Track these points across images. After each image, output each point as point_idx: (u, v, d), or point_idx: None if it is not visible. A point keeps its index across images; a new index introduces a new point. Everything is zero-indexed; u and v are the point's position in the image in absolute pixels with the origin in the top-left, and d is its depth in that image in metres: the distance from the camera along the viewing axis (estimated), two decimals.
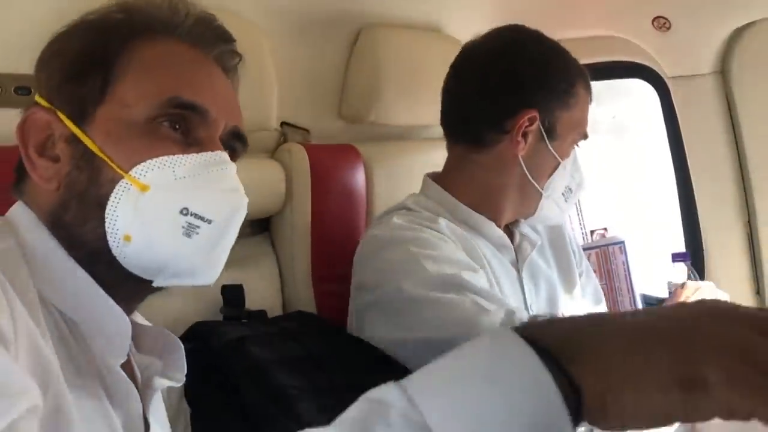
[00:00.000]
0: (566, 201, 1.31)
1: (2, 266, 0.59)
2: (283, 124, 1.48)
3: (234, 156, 0.76)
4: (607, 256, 1.75)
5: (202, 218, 0.67)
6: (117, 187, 0.66)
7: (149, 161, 0.66)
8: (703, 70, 1.59)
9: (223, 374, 0.96)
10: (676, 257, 1.53)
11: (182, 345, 0.76)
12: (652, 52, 1.65)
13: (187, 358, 0.76)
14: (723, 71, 1.59)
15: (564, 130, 1.24)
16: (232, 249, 0.74)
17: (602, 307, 1.46)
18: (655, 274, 1.50)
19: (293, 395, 0.93)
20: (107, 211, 0.66)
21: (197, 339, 0.98)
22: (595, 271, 1.69)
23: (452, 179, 1.28)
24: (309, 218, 1.41)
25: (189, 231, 0.67)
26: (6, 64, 1.09)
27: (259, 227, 1.46)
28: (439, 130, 1.77)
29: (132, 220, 0.66)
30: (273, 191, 1.38)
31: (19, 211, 0.70)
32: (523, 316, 1.05)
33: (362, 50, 1.54)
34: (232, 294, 1.20)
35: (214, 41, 0.76)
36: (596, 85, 1.32)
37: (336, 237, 1.45)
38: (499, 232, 1.28)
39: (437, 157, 1.55)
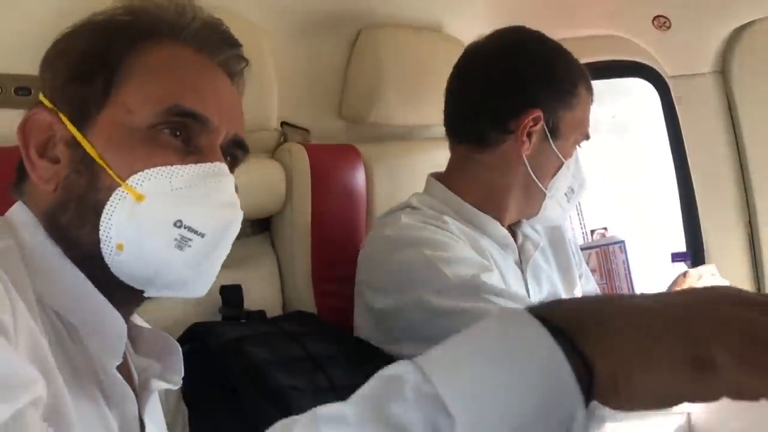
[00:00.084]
0: (568, 201, 1.32)
1: (2, 265, 0.60)
2: (283, 124, 1.48)
3: (235, 163, 0.77)
4: (607, 256, 1.75)
5: (195, 231, 0.67)
6: (114, 194, 0.66)
7: (147, 171, 0.66)
8: (704, 69, 1.59)
9: (221, 375, 0.96)
10: (676, 257, 1.53)
11: (180, 348, 0.76)
12: (652, 52, 1.65)
13: (185, 358, 0.76)
14: (723, 70, 1.59)
15: (567, 130, 1.25)
16: (232, 249, 0.74)
17: None
18: (655, 273, 1.49)
19: (292, 395, 0.93)
20: (102, 218, 0.66)
21: (196, 339, 0.98)
22: (594, 271, 1.70)
23: (456, 179, 1.29)
24: (309, 218, 1.41)
25: (181, 243, 0.67)
26: (6, 64, 1.09)
27: (259, 227, 1.46)
28: (439, 130, 1.77)
29: (126, 229, 0.66)
30: (273, 191, 1.38)
31: (18, 211, 0.70)
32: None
33: (362, 50, 1.54)
34: (230, 294, 1.20)
35: (220, 46, 0.76)
36: (597, 84, 1.32)
37: (336, 237, 1.45)
38: (504, 232, 1.28)
39: (438, 157, 1.55)
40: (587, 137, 1.30)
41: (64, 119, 0.69)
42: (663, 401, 0.42)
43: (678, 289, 1.36)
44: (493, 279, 1.13)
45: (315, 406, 0.92)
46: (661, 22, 1.55)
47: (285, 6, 1.41)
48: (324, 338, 1.15)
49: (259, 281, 1.36)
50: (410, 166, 1.61)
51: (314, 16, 1.47)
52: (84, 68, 0.70)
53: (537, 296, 1.32)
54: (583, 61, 1.31)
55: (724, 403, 1.23)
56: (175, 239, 0.66)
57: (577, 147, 1.30)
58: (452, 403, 0.41)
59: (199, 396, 0.92)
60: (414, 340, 1.10)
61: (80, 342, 0.66)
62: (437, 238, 1.16)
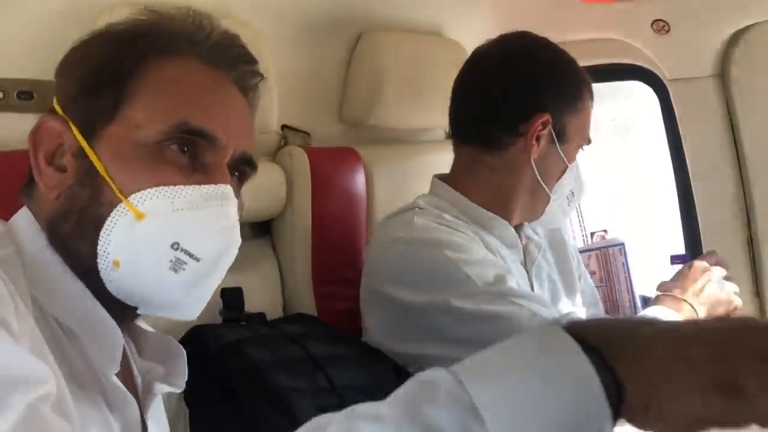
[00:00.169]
0: (569, 204, 1.34)
1: (3, 272, 0.60)
2: (283, 127, 1.49)
3: (243, 178, 0.76)
4: (607, 258, 1.75)
5: (191, 255, 0.67)
6: (115, 210, 0.66)
7: (149, 190, 0.66)
8: (703, 72, 1.60)
9: (221, 376, 0.97)
10: (675, 259, 1.54)
11: (184, 352, 0.76)
12: (651, 55, 1.65)
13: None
14: (722, 74, 1.60)
15: (572, 133, 1.27)
16: None
17: (599, 309, 1.47)
18: (655, 275, 1.49)
19: (292, 396, 0.93)
20: (102, 233, 0.66)
21: (196, 342, 0.99)
22: (594, 273, 1.70)
23: (462, 180, 1.30)
24: (309, 221, 1.42)
25: (176, 266, 0.66)
26: (9, 68, 1.10)
27: (259, 230, 1.47)
28: (439, 133, 1.78)
29: (123, 246, 0.66)
30: (273, 194, 1.39)
31: (22, 216, 0.70)
32: (576, 319, 1.08)
33: (363, 54, 1.55)
34: (231, 297, 1.20)
35: (235, 63, 0.75)
36: (597, 87, 1.34)
37: (336, 240, 1.46)
38: (513, 232, 1.30)
39: (438, 159, 1.55)
40: (589, 141, 1.33)
41: (74, 129, 0.69)
42: (691, 426, 0.43)
43: (683, 279, 1.35)
44: (512, 280, 1.16)
45: (315, 406, 0.93)
46: (660, 26, 1.56)
47: (285, 9, 1.42)
48: (324, 340, 1.16)
49: (260, 284, 1.37)
50: (410, 169, 1.61)
51: (315, 19, 1.48)
52: (95, 80, 0.70)
53: None
54: (582, 64, 1.32)
55: None
56: (171, 261, 0.66)
57: (581, 150, 1.32)
58: (485, 412, 0.42)
59: (200, 397, 0.93)
60: (439, 342, 1.12)
61: (80, 348, 0.66)
62: (455, 240, 1.18)
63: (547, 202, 1.29)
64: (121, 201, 0.66)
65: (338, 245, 1.46)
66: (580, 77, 1.28)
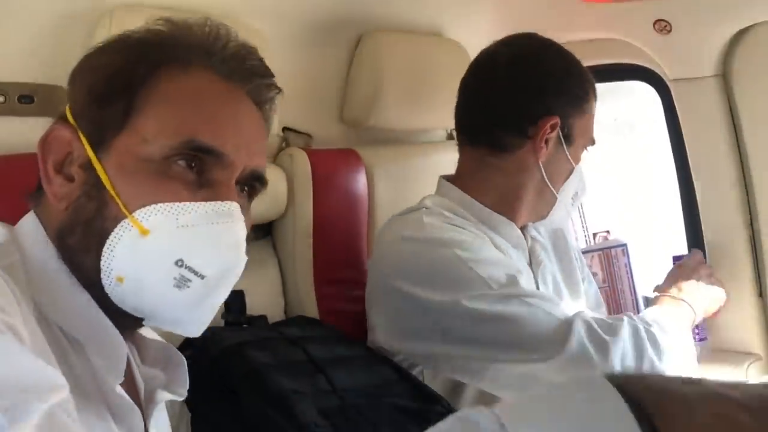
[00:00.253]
0: (572, 205, 1.35)
1: (10, 279, 0.60)
2: (284, 129, 1.49)
3: (253, 193, 0.76)
4: (609, 259, 1.75)
5: (195, 272, 0.66)
6: (119, 226, 0.65)
7: (154, 206, 0.65)
8: (705, 72, 1.59)
9: (223, 379, 0.97)
10: (677, 260, 1.54)
11: (185, 361, 0.76)
12: (653, 55, 1.65)
13: (187, 363, 0.77)
14: (724, 74, 1.59)
15: (578, 135, 1.28)
16: None
17: (602, 311, 1.47)
18: (657, 276, 1.49)
19: (293, 398, 0.93)
20: (105, 248, 0.65)
21: (197, 345, 0.99)
22: (596, 274, 1.70)
23: (469, 181, 1.31)
24: (311, 223, 1.42)
25: (180, 283, 0.66)
26: (10, 72, 1.11)
27: (261, 232, 1.47)
28: (439, 134, 1.78)
29: (127, 262, 0.65)
30: (275, 196, 1.39)
31: (29, 223, 0.70)
32: (588, 316, 1.13)
33: (363, 55, 1.55)
34: (233, 299, 1.20)
35: (250, 76, 0.74)
36: (598, 86, 1.34)
37: (338, 241, 1.46)
38: (519, 232, 1.31)
39: (438, 160, 1.56)
40: (593, 142, 1.34)
41: (83, 139, 0.68)
42: None
43: (678, 279, 1.38)
44: (523, 280, 1.17)
45: (316, 408, 0.93)
46: (662, 26, 1.55)
47: (286, 11, 1.42)
48: (325, 342, 1.16)
49: (262, 286, 1.37)
50: (411, 170, 1.61)
51: (315, 21, 1.48)
52: (106, 89, 0.69)
53: None
54: (585, 64, 1.33)
55: None
56: (175, 278, 0.66)
57: (585, 151, 1.33)
58: None
59: (201, 400, 0.93)
60: (449, 341, 1.13)
61: (84, 357, 0.66)
62: (465, 239, 1.19)
63: (554, 204, 1.30)
64: (126, 216, 0.65)
65: (340, 247, 1.46)
66: (586, 79, 1.30)
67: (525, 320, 1.10)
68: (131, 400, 0.68)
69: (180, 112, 0.69)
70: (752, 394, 0.45)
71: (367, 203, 1.52)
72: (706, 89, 1.60)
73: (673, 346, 1.15)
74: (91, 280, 0.66)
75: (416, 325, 1.16)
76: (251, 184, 0.75)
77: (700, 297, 1.34)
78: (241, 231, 0.70)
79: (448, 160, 1.38)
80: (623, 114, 2.42)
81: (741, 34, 1.54)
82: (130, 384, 0.71)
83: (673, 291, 1.33)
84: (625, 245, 1.75)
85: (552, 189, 1.28)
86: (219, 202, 0.68)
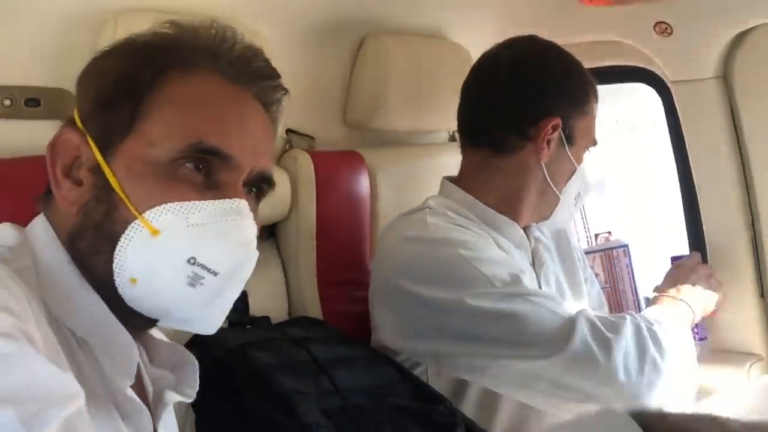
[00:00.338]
0: (575, 205, 1.36)
1: (23, 283, 0.61)
2: (288, 131, 1.50)
3: (260, 195, 0.76)
4: (611, 260, 1.76)
5: (208, 269, 0.66)
6: (130, 227, 0.66)
7: (164, 206, 0.66)
8: (706, 74, 1.59)
9: (226, 380, 0.98)
10: (675, 260, 1.54)
11: (196, 362, 0.77)
12: (654, 57, 1.65)
13: None
14: (725, 75, 1.59)
15: (579, 136, 1.29)
16: None
17: (604, 312, 1.48)
18: (659, 277, 1.50)
19: (296, 398, 0.94)
20: (117, 250, 0.66)
21: (201, 345, 1.00)
22: (598, 275, 1.71)
23: (472, 182, 1.32)
24: (314, 224, 1.43)
25: (193, 281, 0.66)
26: (16, 76, 1.12)
27: (264, 233, 1.47)
28: (442, 135, 1.79)
29: (139, 263, 0.66)
30: (278, 198, 1.40)
31: (39, 226, 0.71)
32: (591, 315, 1.14)
33: (366, 57, 1.55)
34: (237, 300, 1.21)
35: (255, 79, 0.74)
36: (600, 88, 1.35)
37: (341, 242, 1.47)
38: (522, 233, 1.32)
39: (441, 161, 1.57)
40: (595, 143, 1.35)
41: (91, 143, 0.69)
42: None
43: (676, 279, 1.39)
44: (526, 278, 1.18)
45: (319, 408, 0.94)
46: (663, 29, 1.55)
47: (289, 14, 1.43)
48: (329, 343, 1.17)
49: (265, 287, 1.38)
50: (414, 171, 1.62)
51: (318, 23, 1.48)
52: (113, 93, 0.69)
53: None
54: (586, 66, 1.34)
55: (729, 404, 1.23)
56: (188, 276, 0.66)
57: (587, 152, 1.34)
58: None
59: (205, 401, 0.94)
60: (452, 339, 1.14)
61: (94, 358, 0.67)
62: (468, 239, 1.20)
63: (557, 204, 1.31)
64: (136, 218, 0.66)
65: (343, 248, 1.47)
66: (587, 80, 1.31)
67: (528, 318, 1.11)
68: (141, 402, 0.69)
69: (187, 115, 0.69)
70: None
71: (370, 205, 1.52)
72: (707, 91, 1.60)
73: (674, 346, 1.15)
74: (103, 283, 0.67)
75: (420, 324, 1.17)
76: (258, 186, 0.75)
77: (699, 297, 1.35)
78: (251, 227, 0.71)
79: (451, 161, 1.39)
80: (624, 116, 2.42)
81: (742, 36, 1.54)
82: (138, 385, 0.72)
83: (672, 291, 1.34)
84: (626, 246, 1.76)
85: (554, 189, 1.29)
86: (227, 200, 0.68)
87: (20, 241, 0.68)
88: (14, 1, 1.09)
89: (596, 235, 2.05)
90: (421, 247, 1.20)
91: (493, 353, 1.13)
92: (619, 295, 1.73)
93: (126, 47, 0.73)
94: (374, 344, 1.26)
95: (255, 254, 0.72)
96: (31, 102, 1.11)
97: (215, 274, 0.67)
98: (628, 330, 1.12)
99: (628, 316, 1.16)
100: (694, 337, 1.47)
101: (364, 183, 1.52)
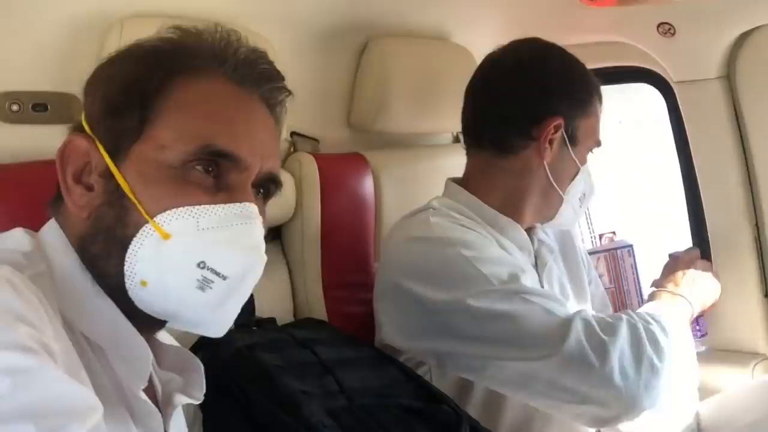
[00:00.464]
0: (581, 206, 1.37)
1: (38, 290, 0.62)
2: (292, 134, 1.51)
3: (268, 195, 0.77)
4: (615, 260, 1.76)
5: (217, 273, 0.67)
6: (141, 231, 0.67)
7: (175, 210, 0.67)
8: (709, 74, 1.60)
9: (233, 381, 0.98)
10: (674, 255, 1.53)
11: (202, 366, 0.78)
12: (657, 58, 1.66)
13: None
14: (729, 75, 1.60)
15: (583, 137, 1.30)
16: None
17: (607, 313, 1.48)
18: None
19: (302, 399, 0.95)
20: (128, 253, 0.67)
21: (208, 347, 1.01)
22: (602, 275, 1.71)
23: (476, 183, 1.33)
24: (319, 226, 1.44)
25: (203, 285, 0.67)
26: (24, 81, 1.12)
27: (269, 235, 1.48)
28: (446, 137, 1.80)
29: (150, 266, 0.67)
30: (283, 200, 1.41)
31: (52, 232, 0.71)
32: (589, 315, 1.13)
33: (370, 60, 1.56)
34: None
35: (260, 81, 0.75)
36: (604, 89, 1.35)
37: (346, 244, 1.48)
38: (525, 235, 1.33)
39: (444, 163, 1.57)
40: (599, 144, 1.35)
41: (101, 148, 0.70)
42: None
43: (674, 274, 1.38)
44: (527, 278, 1.18)
45: (324, 408, 0.94)
46: (666, 29, 1.56)
47: (293, 17, 1.43)
48: (334, 344, 1.18)
49: (271, 289, 1.38)
50: (418, 173, 1.63)
51: (322, 26, 1.49)
52: (121, 100, 0.70)
53: None
54: (589, 66, 1.35)
55: (731, 403, 1.24)
56: (198, 280, 0.67)
57: (591, 153, 1.35)
58: None
59: (213, 402, 0.95)
60: (452, 339, 1.15)
61: (107, 363, 0.68)
62: (469, 238, 1.21)
63: (560, 204, 1.32)
64: (147, 221, 0.67)
65: (348, 250, 1.48)
66: (590, 82, 1.32)
67: (524, 318, 1.11)
68: (153, 404, 0.70)
69: (195, 119, 0.70)
70: None
71: (374, 207, 1.53)
72: (711, 91, 1.60)
73: (672, 345, 1.15)
74: (114, 286, 0.68)
75: (421, 324, 1.18)
76: (266, 186, 0.76)
77: (697, 291, 1.34)
78: (260, 232, 0.72)
79: (455, 163, 1.40)
80: (628, 115, 2.42)
81: (745, 36, 1.55)
82: (149, 387, 0.72)
83: (670, 286, 1.33)
84: (631, 246, 1.76)
85: (558, 189, 1.30)
86: (237, 204, 0.69)
87: (34, 246, 0.69)
88: (21, 7, 1.10)
89: (600, 236, 2.05)
90: (422, 247, 1.21)
91: (491, 354, 1.13)
92: (623, 295, 1.74)
93: (132, 53, 0.74)
94: (378, 343, 1.27)
95: (264, 258, 0.73)
96: (38, 107, 1.12)
97: (224, 278, 0.68)
98: (623, 331, 1.11)
99: (624, 316, 1.16)
100: (695, 334, 1.47)
101: (368, 185, 1.53)
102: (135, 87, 0.70)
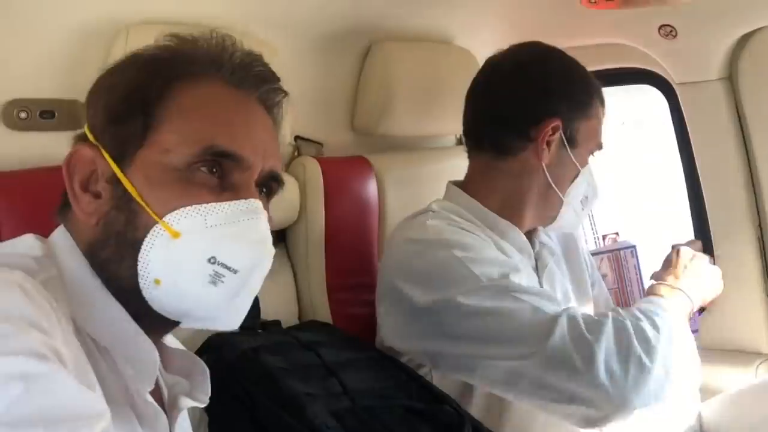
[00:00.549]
0: (583, 209, 1.36)
1: (50, 295, 0.63)
2: (296, 138, 1.52)
3: (271, 194, 0.79)
4: (618, 261, 1.76)
5: (228, 267, 0.69)
6: (151, 232, 0.68)
7: (183, 209, 0.69)
8: (711, 76, 1.60)
9: (238, 383, 0.99)
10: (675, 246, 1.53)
11: (207, 369, 0.79)
12: (659, 59, 1.66)
13: None
14: (731, 77, 1.60)
15: (583, 139, 1.30)
16: None
17: None
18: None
19: (306, 401, 0.96)
20: (140, 254, 0.68)
21: (214, 350, 1.02)
22: (606, 276, 1.71)
23: (476, 186, 1.33)
24: (323, 229, 1.45)
25: (215, 279, 0.69)
26: (31, 89, 1.14)
27: (274, 239, 1.48)
28: (449, 140, 1.81)
29: (163, 264, 0.68)
30: (288, 204, 1.42)
31: (61, 238, 0.73)
32: (577, 313, 1.12)
33: (373, 64, 1.57)
34: None
35: (257, 83, 0.77)
36: (606, 90, 1.36)
37: (350, 247, 1.49)
38: (524, 238, 1.33)
39: (447, 166, 1.58)
40: (600, 147, 1.36)
41: (106, 156, 0.71)
42: None
43: (675, 267, 1.33)
44: (521, 278, 1.18)
45: (328, 410, 0.95)
46: (667, 31, 1.56)
47: (297, 22, 1.44)
48: (338, 346, 1.18)
49: (275, 291, 1.39)
50: (421, 176, 1.63)
51: (325, 31, 1.50)
52: (123, 108, 0.72)
53: None
54: (591, 68, 1.35)
55: (734, 403, 1.24)
56: (210, 275, 0.69)
57: (592, 156, 1.35)
58: None
59: (218, 404, 0.96)
60: (443, 339, 1.15)
61: (114, 366, 0.69)
62: (465, 240, 1.21)
63: (560, 206, 1.32)
64: (157, 222, 0.68)
65: (352, 252, 1.49)
66: (591, 84, 1.33)
67: (512, 315, 1.11)
68: (159, 407, 0.71)
69: (197, 122, 0.72)
70: None
71: (378, 209, 1.54)
72: (713, 92, 1.61)
73: (665, 341, 1.11)
74: (128, 288, 0.69)
75: (415, 325, 1.19)
76: (269, 185, 0.78)
77: (698, 284, 1.30)
78: (265, 225, 0.74)
79: (458, 165, 1.40)
80: (631, 117, 2.43)
81: (746, 37, 1.55)
82: (155, 390, 0.74)
83: (670, 279, 1.30)
84: (634, 247, 1.77)
85: (557, 191, 1.30)
86: (243, 201, 0.71)
87: (45, 251, 0.70)
88: (28, 15, 1.11)
89: (604, 237, 2.05)
90: (417, 249, 1.22)
91: (479, 353, 1.13)
92: (627, 296, 1.74)
93: (131, 63, 0.76)
94: (378, 344, 1.28)
95: (272, 251, 0.75)
96: (45, 114, 1.14)
97: (235, 271, 0.69)
98: (609, 329, 1.09)
99: (611, 314, 1.13)
100: None
101: (372, 188, 1.54)
102: (136, 95, 0.72)
